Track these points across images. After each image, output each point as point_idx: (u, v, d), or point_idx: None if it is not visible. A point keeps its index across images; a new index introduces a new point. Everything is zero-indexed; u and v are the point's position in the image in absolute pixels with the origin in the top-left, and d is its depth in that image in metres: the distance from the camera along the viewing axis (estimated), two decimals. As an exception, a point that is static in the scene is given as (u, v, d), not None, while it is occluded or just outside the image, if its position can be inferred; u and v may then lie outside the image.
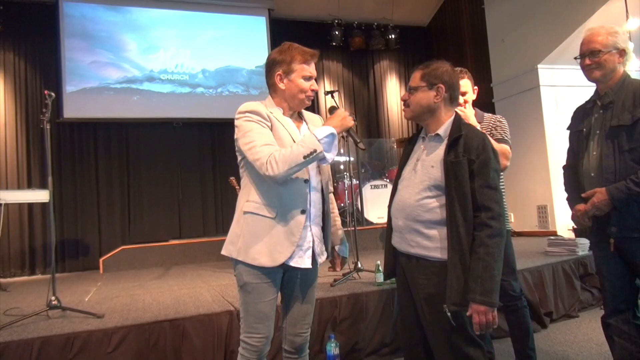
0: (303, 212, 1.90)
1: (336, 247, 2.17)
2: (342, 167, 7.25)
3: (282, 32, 7.78)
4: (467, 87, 2.71)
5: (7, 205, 4.99)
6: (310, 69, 1.96)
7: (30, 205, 6.51)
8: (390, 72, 9.14)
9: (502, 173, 2.72)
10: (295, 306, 2.02)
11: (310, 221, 1.94)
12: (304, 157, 1.75)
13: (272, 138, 1.85)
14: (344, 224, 6.13)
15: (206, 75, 7.58)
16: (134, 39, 7.23)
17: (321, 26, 8.42)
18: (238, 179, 2.06)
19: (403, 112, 2.03)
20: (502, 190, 2.63)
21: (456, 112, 1.95)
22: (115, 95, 7.04)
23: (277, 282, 1.94)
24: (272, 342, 2.01)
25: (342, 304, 3.23)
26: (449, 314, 1.72)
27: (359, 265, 3.90)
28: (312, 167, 1.96)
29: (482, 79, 7.52)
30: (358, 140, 2.01)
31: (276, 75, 1.94)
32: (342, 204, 6.94)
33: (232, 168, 2.25)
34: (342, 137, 2.03)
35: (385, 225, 2.11)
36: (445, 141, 1.85)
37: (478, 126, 2.67)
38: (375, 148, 8.50)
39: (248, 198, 1.92)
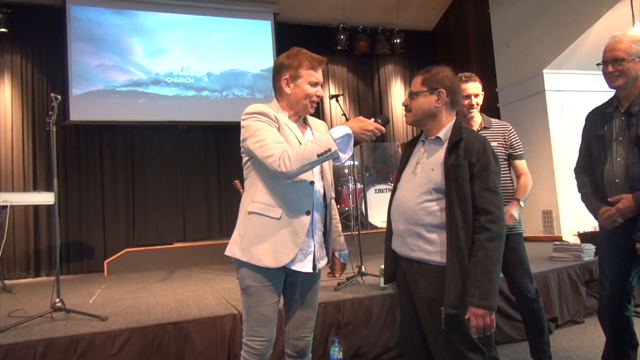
0: (308, 213, 1.90)
1: (336, 253, 2.16)
2: (346, 170, 7.24)
3: (287, 36, 7.81)
4: (478, 90, 2.72)
5: (12, 207, 5.02)
6: (317, 75, 1.96)
7: (36, 208, 6.55)
8: (395, 76, 9.14)
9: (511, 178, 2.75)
10: (297, 310, 2.02)
11: (312, 225, 1.94)
12: (318, 156, 1.74)
13: (282, 137, 1.86)
14: (348, 227, 6.16)
15: (211, 79, 7.61)
16: (140, 43, 7.27)
17: (326, 30, 8.44)
18: (242, 183, 2.06)
19: (405, 118, 2.01)
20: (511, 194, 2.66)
21: (457, 116, 1.95)
22: (121, 98, 7.08)
23: (280, 285, 1.94)
24: (275, 346, 2.00)
25: (345, 308, 3.22)
26: (443, 316, 1.71)
27: (363, 269, 3.89)
28: (316, 171, 1.96)
29: (488, 84, 7.50)
30: (381, 122, 1.90)
31: (283, 80, 1.95)
32: (347, 208, 6.93)
33: (237, 171, 2.26)
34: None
35: (388, 229, 2.10)
36: (446, 144, 1.84)
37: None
38: (379, 152, 8.49)
39: (253, 199, 1.92)
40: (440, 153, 1.85)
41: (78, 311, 3.15)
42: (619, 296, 2.31)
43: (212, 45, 7.66)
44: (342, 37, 8.32)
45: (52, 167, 3.40)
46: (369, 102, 8.94)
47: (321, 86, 2.00)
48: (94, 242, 6.88)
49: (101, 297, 4.09)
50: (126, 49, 7.19)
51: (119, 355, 2.71)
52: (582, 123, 2.50)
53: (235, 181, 4.81)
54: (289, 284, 1.99)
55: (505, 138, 2.74)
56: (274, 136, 1.84)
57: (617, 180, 2.16)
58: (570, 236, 6.18)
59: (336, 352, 2.87)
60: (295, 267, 1.90)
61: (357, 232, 4.34)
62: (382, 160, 8.38)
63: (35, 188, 6.54)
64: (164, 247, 6.44)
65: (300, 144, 1.88)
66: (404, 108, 2.04)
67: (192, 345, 2.85)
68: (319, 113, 8.21)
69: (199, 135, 7.66)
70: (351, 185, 6.79)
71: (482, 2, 7.92)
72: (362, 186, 6.71)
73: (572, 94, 6.60)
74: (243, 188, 2.04)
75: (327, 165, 2.05)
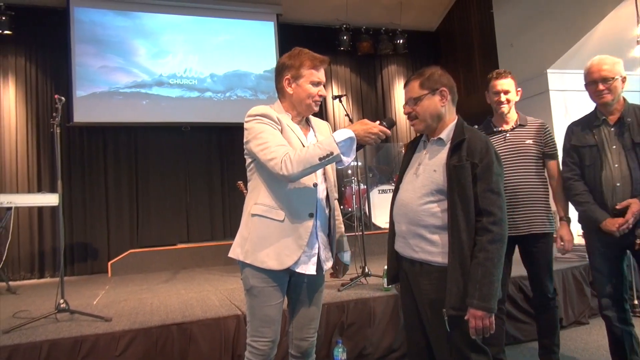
0: (311, 215, 1.89)
1: (338, 254, 2.16)
2: (349, 171, 7.23)
3: (290, 37, 7.80)
4: (510, 86, 2.71)
5: (17, 208, 5.04)
6: (319, 75, 1.96)
7: (40, 209, 6.56)
8: (398, 76, 9.13)
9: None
10: (301, 310, 2.02)
11: (316, 227, 1.93)
12: (320, 159, 1.73)
13: (284, 140, 1.86)
14: (351, 228, 6.15)
15: (214, 80, 7.61)
16: (143, 44, 7.28)
17: (329, 31, 8.43)
18: (246, 183, 2.06)
19: (412, 127, 1.98)
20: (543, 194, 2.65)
21: (458, 116, 1.94)
22: (124, 99, 7.09)
23: (284, 286, 1.94)
24: (279, 347, 2.00)
25: (349, 309, 3.21)
26: (446, 318, 1.71)
27: (367, 270, 3.89)
28: (319, 173, 1.96)
29: (491, 84, 7.48)
30: (386, 125, 1.89)
31: (285, 80, 1.95)
32: (350, 209, 6.92)
33: (240, 172, 2.26)
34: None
35: (392, 230, 2.09)
36: (448, 145, 1.83)
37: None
38: (383, 152, 8.48)
39: (256, 201, 1.92)
40: (443, 154, 1.84)
41: (82, 312, 3.16)
42: (619, 290, 2.48)
43: (215, 47, 7.67)
44: (344, 37, 8.31)
45: (56, 168, 3.40)
46: (372, 103, 8.93)
47: (324, 86, 1.99)
48: (98, 243, 6.89)
49: (105, 298, 4.10)
50: (129, 51, 7.20)
51: (123, 356, 2.71)
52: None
53: (239, 182, 4.81)
54: (293, 284, 1.99)
55: (540, 136, 2.75)
56: (276, 139, 1.83)
57: (617, 184, 2.34)
58: (575, 237, 6.13)
59: (340, 352, 2.86)
60: (299, 270, 1.90)
61: (360, 233, 4.33)
62: (385, 161, 8.37)
63: (39, 189, 6.55)
64: (167, 248, 6.44)
65: (303, 146, 1.87)
66: (407, 117, 2.03)
67: (196, 346, 2.86)
68: (322, 114, 8.20)
69: (202, 136, 7.67)
70: (354, 186, 6.78)
71: (485, 2, 7.90)
72: (365, 187, 6.71)
73: (576, 94, 6.56)
74: (247, 189, 2.04)
75: (330, 167, 2.04)
